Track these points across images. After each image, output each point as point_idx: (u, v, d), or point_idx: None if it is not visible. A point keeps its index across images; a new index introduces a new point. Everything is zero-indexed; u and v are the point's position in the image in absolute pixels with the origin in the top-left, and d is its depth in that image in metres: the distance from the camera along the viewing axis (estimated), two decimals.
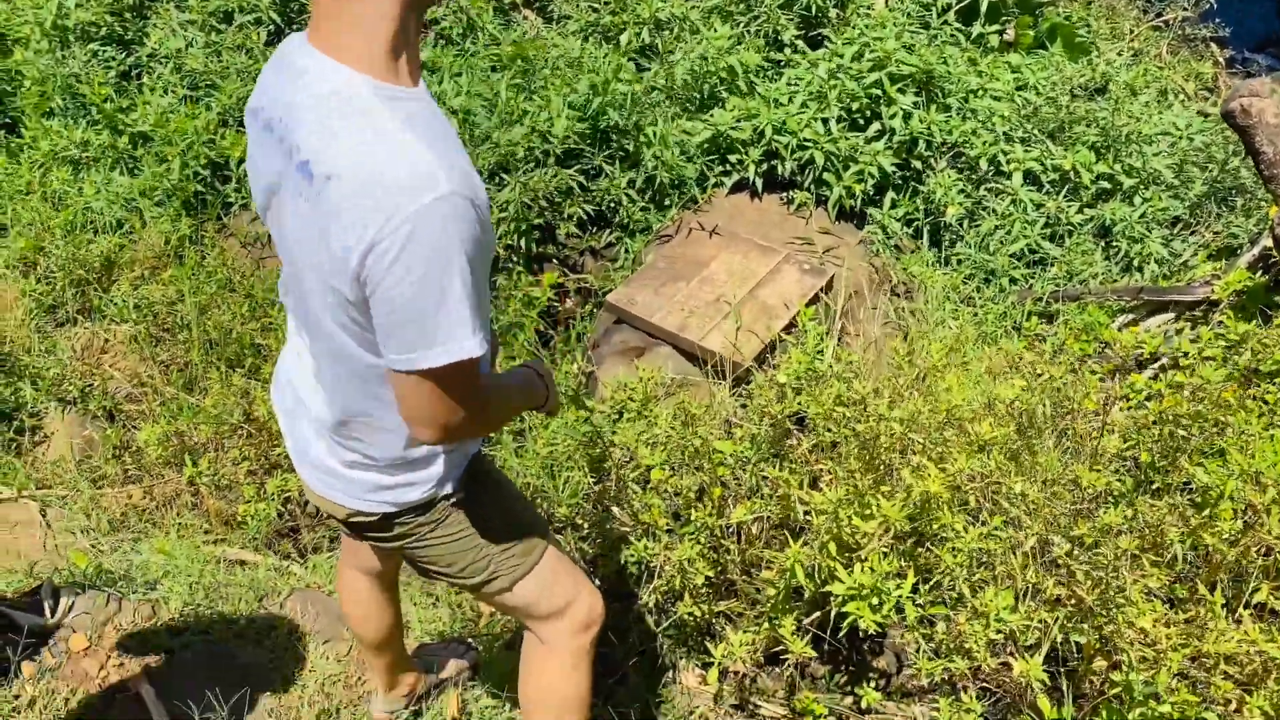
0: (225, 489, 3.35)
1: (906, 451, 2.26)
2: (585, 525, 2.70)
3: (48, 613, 2.60)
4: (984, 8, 4.47)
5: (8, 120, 4.35)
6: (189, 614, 2.69)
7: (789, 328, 3.44)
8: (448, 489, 1.71)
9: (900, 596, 1.88)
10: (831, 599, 1.96)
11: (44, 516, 3.19)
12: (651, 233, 4.05)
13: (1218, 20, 5.68)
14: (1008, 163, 4.00)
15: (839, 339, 3.51)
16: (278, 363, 1.76)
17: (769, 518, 2.41)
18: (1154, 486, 2.19)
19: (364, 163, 1.30)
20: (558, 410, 1.82)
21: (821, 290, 3.64)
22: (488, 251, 1.37)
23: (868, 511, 2.06)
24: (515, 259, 3.95)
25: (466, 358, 1.37)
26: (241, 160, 4.02)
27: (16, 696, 2.37)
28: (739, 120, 4.03)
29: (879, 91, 4.00)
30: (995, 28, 4.53)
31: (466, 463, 1.73)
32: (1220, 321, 3.00)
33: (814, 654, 2.22)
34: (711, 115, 4.11)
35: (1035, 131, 4.11)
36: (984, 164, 3.97)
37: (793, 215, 4.03)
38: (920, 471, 2.08)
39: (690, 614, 2.45)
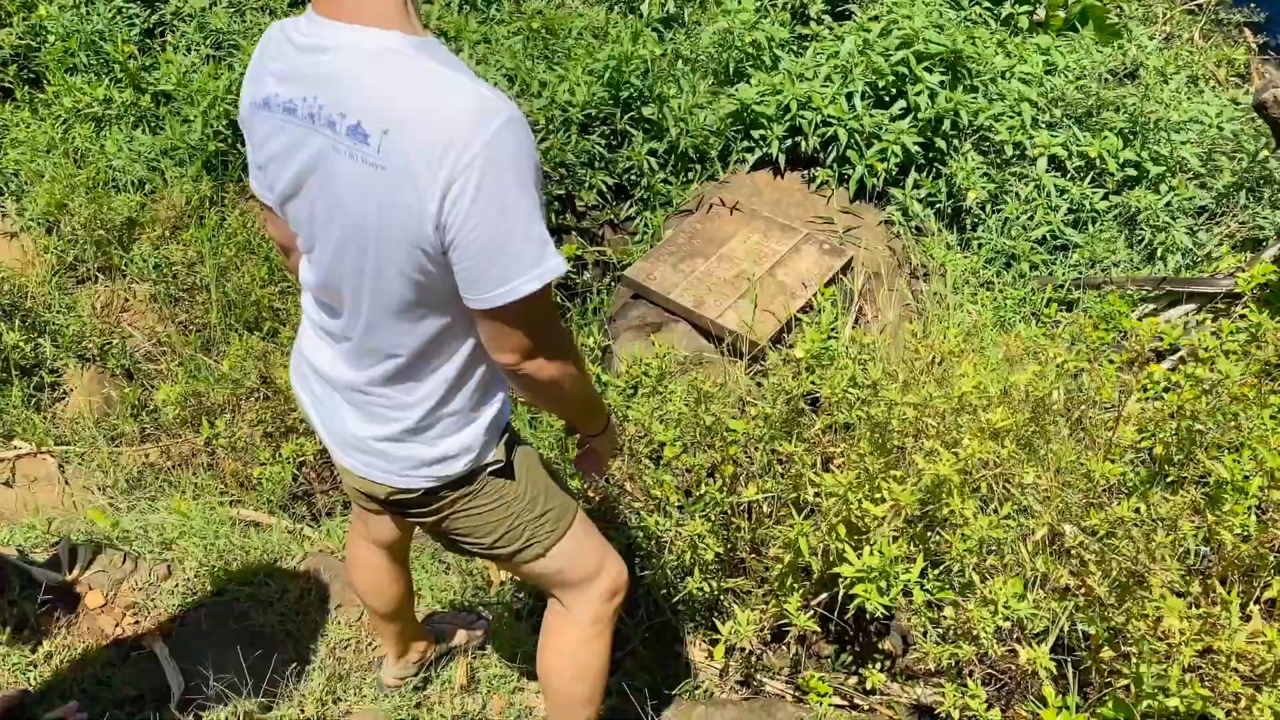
0: (241, 451, 3.37)
1: (919, 436, 2.26)
2: (597, 499, 2.72)
3: (65, 569, 2.61)
4: None
5: (32, 76, 4.34)
6: (204, 575, 2.72)
7: (806, 308, 3.45)
8: (489, 457, 1.71)
9: (908, 581, 1.88)
10: (840, 580, 1.97)
11: (62, 473, 3.21)
12: (672, 206, 4.05)
13: (1253, 4, 5.60)
14: (1033, 147, 3.96)
15: (856, 321, 3.52)
16: (294, 353, 1.77)
17: (780, 497, 2.40)
18: (1169, 480, 2.19)
19: (421, 106, 1.31)
20: (612, 451, 1.83)
21: (840, 271, 3.65)
22: (541, 177, 1.40)
23: (878, 495, 2.06)
24: (546, 214, 3.92)
25: (557, 275, 1.39)
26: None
27: (33, 651, 2.40)
28: (763, 95, 4.02)
29: (905, 69, 3.98)
30: (1025, 8, 4.49)
31: (504, 428, 1.72)
32: (1242, 315, 2.98)
33: (817, 629, 2.21)
34: (736, 89, 4.10)
35: (1062, 116, 4.08)
36: (1009, 147, 3.93)
37: (814, 194, 4.03)
38: (932, 456, 2.08)
39: (699, 589, 2.45)
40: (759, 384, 3.04)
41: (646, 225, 4.04)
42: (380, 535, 2.15)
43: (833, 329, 2.69)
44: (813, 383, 2.42)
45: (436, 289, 1.46)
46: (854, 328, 3.30)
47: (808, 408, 2.49)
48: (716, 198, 3.97)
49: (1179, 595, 1.93)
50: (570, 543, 1.85)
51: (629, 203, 4.09)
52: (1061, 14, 4.52)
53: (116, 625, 2.54)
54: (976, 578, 1.96)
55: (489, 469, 1.73)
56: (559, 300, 3.77)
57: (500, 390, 1.69)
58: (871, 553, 1.92)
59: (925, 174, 4.01)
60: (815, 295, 2.88)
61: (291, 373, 1.80)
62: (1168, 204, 3.89)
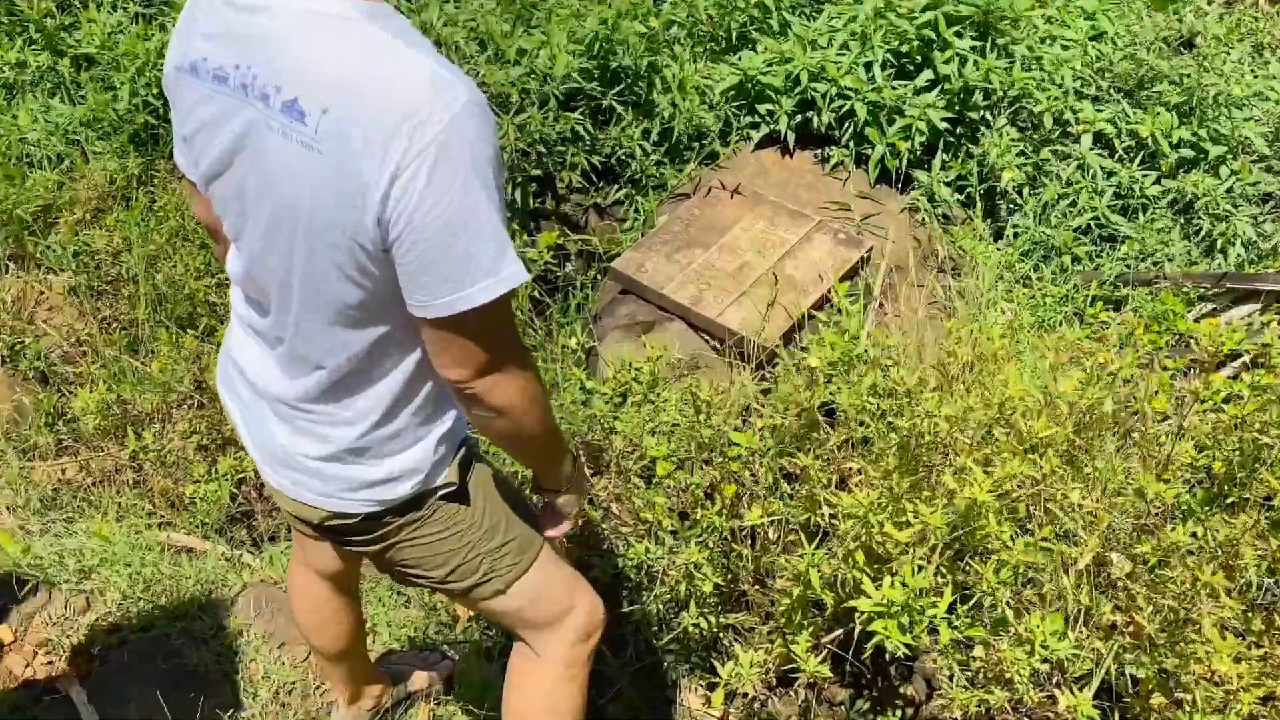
0: (172, 466, 3.35)
1: (949, 452, 2.26)
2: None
3: None
4: None
5: None
6: (128, 608, 2.70)
7: (820, 305, 3.45)
8: (440, 479, 1.71)
9: (934, 616, 1.88)
10: (856, 615, 1.97)
11: None
12: (666, 189, 4.03)
13: None
14: (1076, 122, 3.96)
15: (877, 320, 3.52)
16: (221, 352, 1.76)
17: (788, 520, 2.41)
18: (1229, 501, 2.19)
19: (368, 82, 1.30)
20: (580, 506, 1.84)
21: (858, 264, 3.65)
22: (503, 168, 1.43)
23: (902, 518, 2.06)
24: (508, 215, 3.90)
25: (515, 285, 1.39)
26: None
27: None
28: (770, 64, 4.01)
29: (932, 34, 3.97)
30: None
31: (459, 446, 1.73)
32: None
33: (831, 675, 2.21)
34: (739, 58, 4.09)
35: (1110, 89, 4.09)
36: (1049, 122, 3.93)
37: (827, 176, 4.03)
38: (964, 475, 2.08)
39: (695, 626, 2.46)
40: (766, 392, 3.05)
41: (637, 210, 4.04)
42: (323, 564, 2.15)
43: (854, 331, 2.65)
44: (829, 392, 2.43)
45: (377, 292, 1.46)
46: (875, 328, 3.28)
47: (822, 420, 2.49)
48: (716, 180, 3.96)
49: (1238, 634, 1.92)
50: (535, 577, 1.85)
51: (617, 185, 4.09)
52: None
53: (27, 665, 2.52)
54: (1011, 613, 1.96)
55: (440, 493, 1.73)
56: (532, 299, 3.77)
57: (452, 404, 1.70)
58: (893, 584, 1.92)
59: (954, 154, 4.01)
60: (830, 291, 2.86)
61: (218, 374, 1.80)
62: (1229, 190, 3.90)
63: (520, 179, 3.91)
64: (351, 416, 1.62)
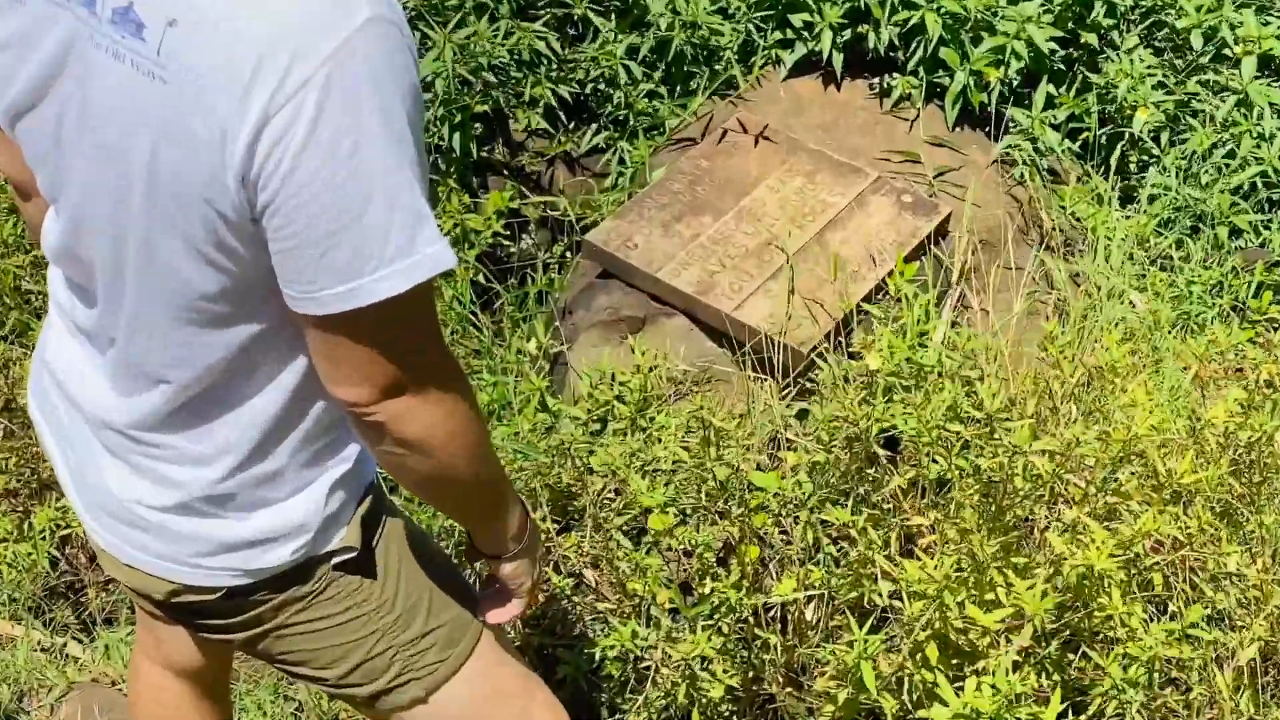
0: None
1: (1057, 501, 2.28)
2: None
3: None
4: None
5: None
6: None
7: (876, 294, 3.45)
8: (334, 541, 1.73)
9: None
10: None
11: None
12: (663, 133, 4.00)
13: None
14: (1235, 41, 3.95)
15: (956, 316, 3.50)
16: (35, 357, 1.77)
17: (833, 597, 2.42)
18: None
19: None
20: (535, 581, 1.88)
21: (931, 237, 3.63)
22: (422, 116, 1.42)
23: (991, 596, 2.07)
24: (444, 167, 3.90)
25: (436, 271, 1.41)
26: None
27: None
28: None
29: None
30: None
31: (362, 496, 1.75)
32: None
33: None
34: None
35: None
36: (1197, 42, 3.94)
37: (888, 115, 4.02)
38: (1078, 534, 2.08)
39: None
40: (802, 415, 3.05)
41: (623, 162, 4.00)
42: (178, 656, 2.14)
43: (921, 330, 2.68)
44: (891, 415, 2.46)
45: (243, 278, 1.48)
46: (954, 327, 3.27)
47: (881, 453, 2.52)
48: (734, 120, 3.94)
49: None
50: (470, 681, 1.87)
51: (594, 126, 4.07)
52: None
53: None
54: None
55: (335, 560, 1.75)
56: (475, 286, 3.78)
57: (354, 436, 1.71)
58: (979, 687, 1.92)
59: (1065, 86, 3.99)
60: (891, 275, 2.83)
61: (29, 387, 1.79)
62: None
63: (459, 119, 3.88)
64: (208, 451, 1.63)
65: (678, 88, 4.12)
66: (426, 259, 1.40)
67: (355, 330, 1.43)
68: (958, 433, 2.35)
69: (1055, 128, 3.96)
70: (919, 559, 2.20)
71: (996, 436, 2.29)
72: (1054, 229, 3.82)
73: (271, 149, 1.33)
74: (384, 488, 1.84)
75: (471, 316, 3.79)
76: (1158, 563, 2.14)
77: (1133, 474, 2.19)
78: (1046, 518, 2.26)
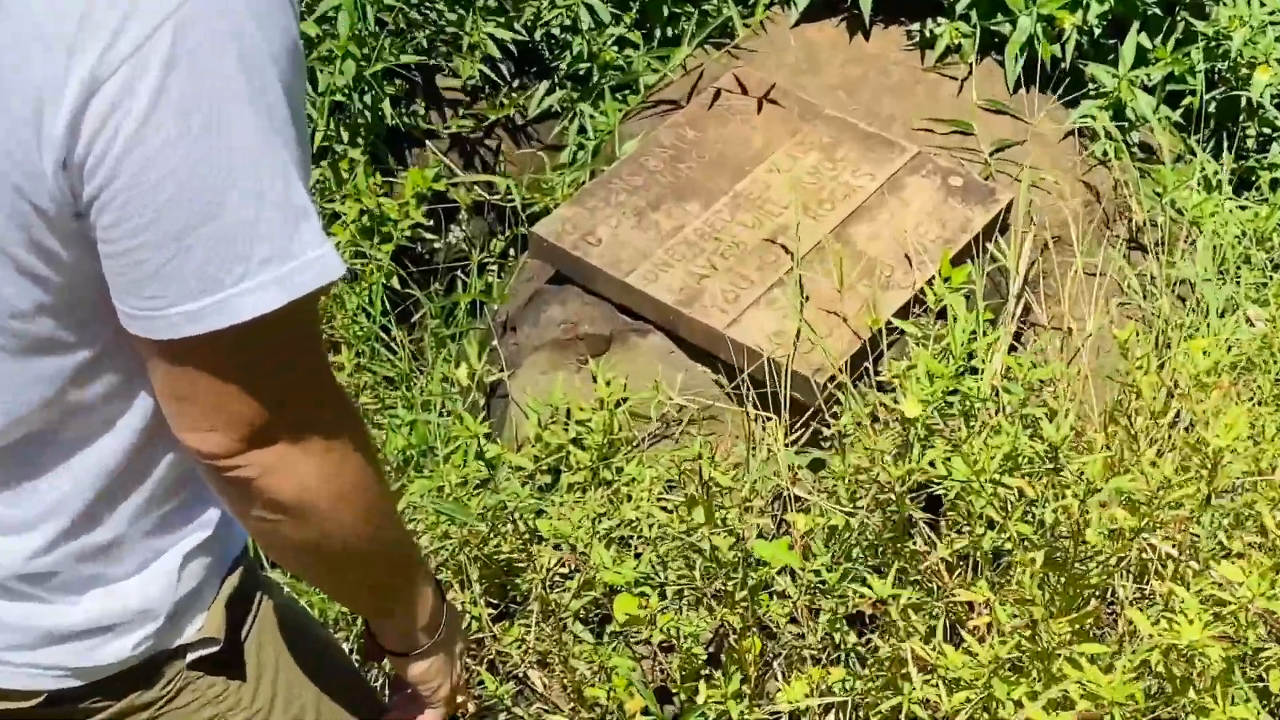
0: None
1: (1147, 572, 2.37)
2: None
3: None
4: None
5: None
6: None
7: (914, 306, 3.43)
8: (190, 632, 1.74)
9: None
10: None
11: None
12: (636, 93, 4.04)
13: None
14: None
15: (1018, 331, 3.50)
16: None
17: (857, 706, 2.46)
18: None
19: None
20: (455, 683, 1.89)
21: (984, 232, 3.62)
22: (304, 82, 1.45)
23: (1056, 684, 2.11)
24: (346, 136, 3.87)
25: (321, 282, 1.40)
26: None
27: None
28: None
29: None
30: None
31: (227, 572, 1.78)
32: None
33: None
34: None
35: None
36: None
37: (931, 71, 4.04)
38: (1168, 606, 2.16)
39: None
40: (816, 466, 3.07)
41: (584, 131, 4.03)
42: None
43: (971, 354, 2.73)
44: (930, 464, 2.50)
45: (65, 289, 1.46)
46: (1014, 347, 3.31)
47: (919, 516, 2.57)
48: (730, 77, 3.94)
49: None
50: None
51: (548, 84, 4.08)
52: None
53: None
54: None
55: (190, 656, 1.74)
56: (388, 293, 3.76)
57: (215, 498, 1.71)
58: None
59: (1162, 36, 4.02)
60: (933, 282, 2.88)
61: None
62: None
63: (369, 71, 3.86)
64: (26, 516, 1.61)
65: (657, 34, 4.16)
66: (308, 266, 1.39)
67: (213, 359, 1.43)
68: (1020, 487, 2.41)
69: (1149, 90, 3.95)
70: (966, 644, 2.26)
71: (1063, 476, 2.37)
72: (1146, 222, 3.80)
73: (101, 124, 1.32)
74: (258, 561, 1.87)
75: (383, 333, 3.78)
76: (1272, 647, 2.24)
77: (1232, 529, 2.31)
78: (1130, 590, 2.36)
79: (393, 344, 3.76)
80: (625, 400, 3.21)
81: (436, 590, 1.81)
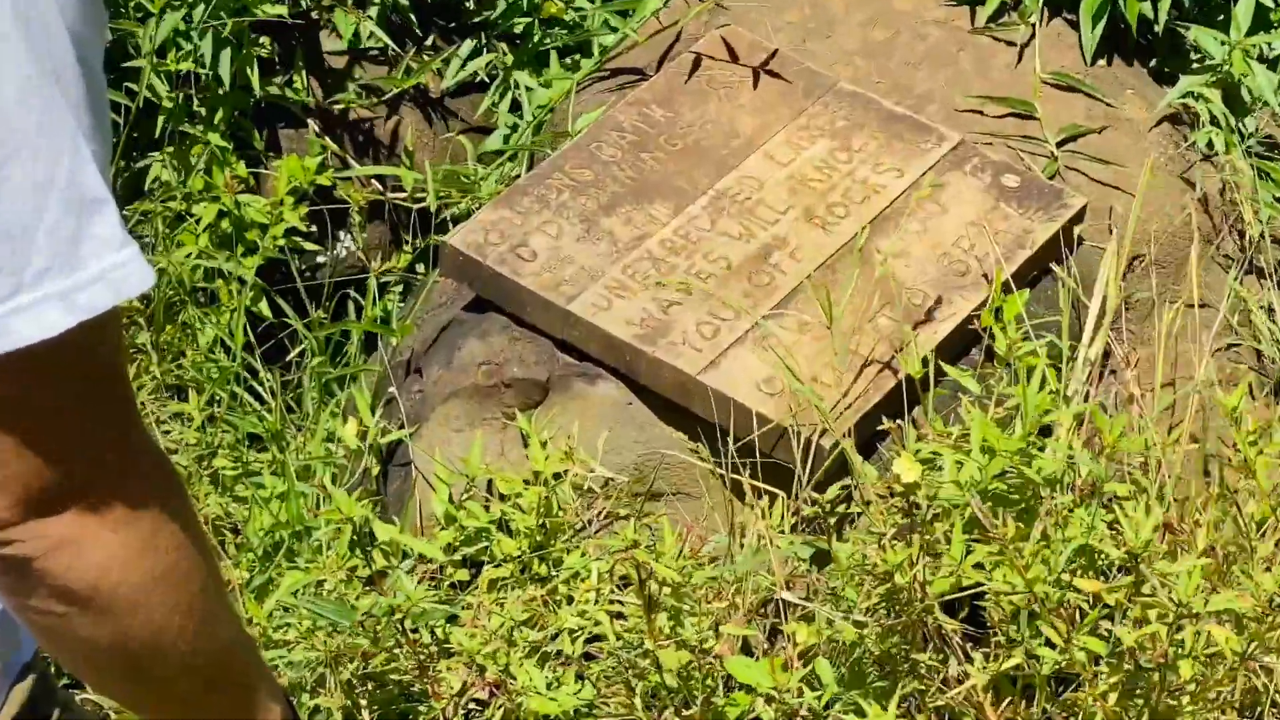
0: None
1: (1260, 704, 2.43)
2: None
3: None
4: None
5: None
6: None
7: (957, 344, 3.44)
8: None
9: None
10: None
11: None
12: (592, 59, 4.08)
13: None
14: None
15: (1096, 384, 3.49)
16: None
17: None
18: None
19: None
20: None
21: (1048, 247, 3.63)
22: (102, 35, 1.47)
23: None
24: (201, 110, 3.91)
25: (121, 298, 1.40)
26: None
27: None
28: None
29: None
30: None
31: (16, 678, 1.78)
32: None
33: None
34: None
35: None
36: None
37: (981, 35, 4.04)
38: None
39: None
40: (820, 559, 3.09)
41: (518, 107, 4.06)
42: None
43: (1047, 411, 2.80)
44: (977, 565, 2.59)
45: None
46: (1089, 398, 3.31)
47: (951, 627, 2.66)
48: (714, 38, 3.97)
49: None
50: None
51: (471, 44, 4.12)
52: None
53: None
54: None
55: None
56: (249, 318, 3.75)
57: None
58: None
59: None
60: (983, 310, 2.95)
61: None
62: None
63: (228, 29, 3.86)
64: None
65: None
66: (102, 277, 1.39)
67: None
68: (1094, 594, 2.47)
69: (1269, 64, 3.93)
70: None
71: (1148, 587, 2.43)
72: (1264, 237, 3.80)
73: None
74: (52, 679, 1.85)
75: (247, 374, 3.75)
76: None
77: None
78: None
79: (259, 389, 3.75)
80: (566, 472, 3.21)
81: (288, 715, 1.82)
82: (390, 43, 4.09)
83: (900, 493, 2.59)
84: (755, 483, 3.27)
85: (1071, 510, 2.65)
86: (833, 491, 2.97)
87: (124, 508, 1.50)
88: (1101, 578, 2.54)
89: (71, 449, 1.47)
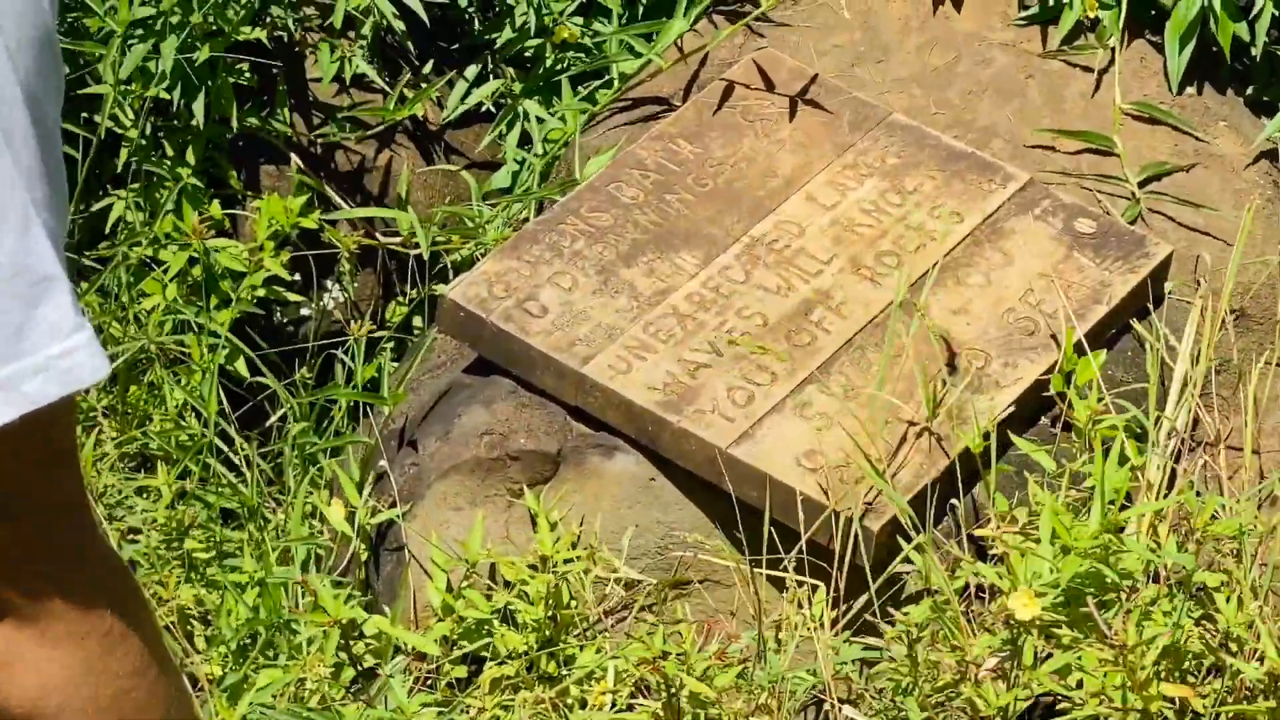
0: None
1: None
2: None
3: None
4: None
5: None
6: None
7: (1031, 408, 3.47)
8: None
9: None
10: None
11: None
12: (610, 87, 4.08)
13: None
14: None
15: (1187, 462, 3.50)
16: None
17: None
18: None
19: None
20: None
21: (1131, 302, 3.66)
22: (59, 91, 1.47)
23: None
24: (170, 149, 3.92)
25: (70, 390, 1.40)
26: None
27: None
28: None
29: None
30: None
31: None
32: None
33: None
34: None
35: None
36: None
37: (1052, 59, 4.03)
38: None
39: None
40: (869, 662, 3.23)
41: (527, 142, 4.07)
42: None
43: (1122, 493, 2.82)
44: (1045, 677, 2.72)
45: None
46: (1177, 471, 3.40)
47: None
48: (748, 64, 4.00)
49: None
50: None
51: (474, 70, 4.15)
52: None
53: None
54: None
55: None
56: (223, 382, 3.76)
57: None
58: None
59: None
60: (1054, 373, 3.04)
61: None
62: None
63: (203, 56, 3.86)
64: None
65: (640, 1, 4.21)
66: (49, 365, 1.38)
67: None
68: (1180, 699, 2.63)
69: None
70: None
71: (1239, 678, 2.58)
72: None
73: None
74: None
75: (221, 444, 3.82)
76: None
77: None
78: None
79: (236, 462, 3.76)
80: (580, 558, 3.20)
81: None
82: (379, 80, 4.14)
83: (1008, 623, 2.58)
84: (794, 575, 3.21)
85: (1154, 603, 2.69)
86: (919, 614, 2.95)
87: (69, 623, 1.48)
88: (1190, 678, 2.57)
89: (12, 551, 1.44)
